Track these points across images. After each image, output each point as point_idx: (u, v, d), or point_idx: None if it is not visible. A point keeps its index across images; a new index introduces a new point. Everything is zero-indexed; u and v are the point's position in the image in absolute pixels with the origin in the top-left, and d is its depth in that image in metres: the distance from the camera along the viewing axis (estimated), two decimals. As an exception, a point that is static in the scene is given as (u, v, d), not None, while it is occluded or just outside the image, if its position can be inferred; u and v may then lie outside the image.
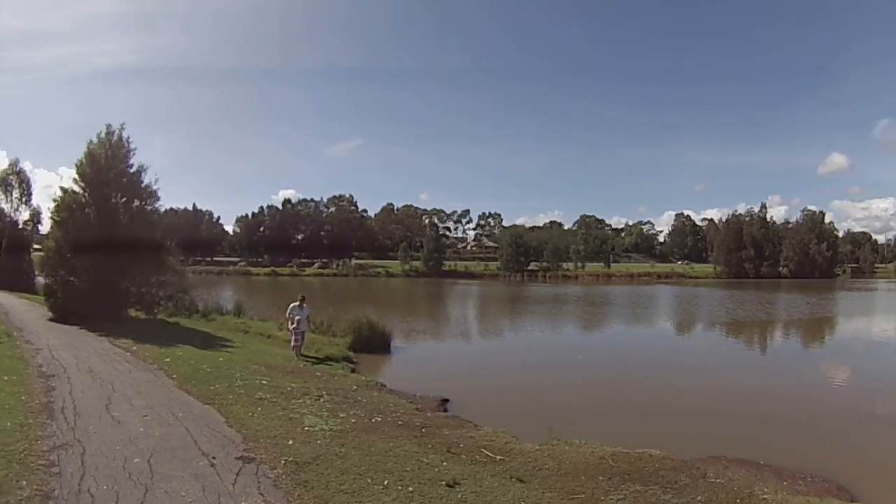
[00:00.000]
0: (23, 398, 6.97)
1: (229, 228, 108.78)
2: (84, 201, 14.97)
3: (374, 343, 16.91)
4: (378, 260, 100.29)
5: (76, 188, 15.04)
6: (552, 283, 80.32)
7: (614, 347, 22.48)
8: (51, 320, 14.67)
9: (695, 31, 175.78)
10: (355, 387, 10.96)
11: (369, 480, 5.41)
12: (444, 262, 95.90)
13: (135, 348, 11.41)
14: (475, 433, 8.01)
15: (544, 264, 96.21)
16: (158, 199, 16.63)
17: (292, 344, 14.03)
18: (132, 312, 16.59)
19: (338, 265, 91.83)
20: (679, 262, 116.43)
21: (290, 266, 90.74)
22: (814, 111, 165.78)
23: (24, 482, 4.71)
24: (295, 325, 13.96)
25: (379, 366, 15.25)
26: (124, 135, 15.60)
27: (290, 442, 6.45)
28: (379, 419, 8.20)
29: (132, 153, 15.98)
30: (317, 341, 16.07)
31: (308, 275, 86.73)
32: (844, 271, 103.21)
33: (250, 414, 7.60)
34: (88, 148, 15.02)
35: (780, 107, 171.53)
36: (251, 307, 26.03)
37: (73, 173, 15.02)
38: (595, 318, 33.06)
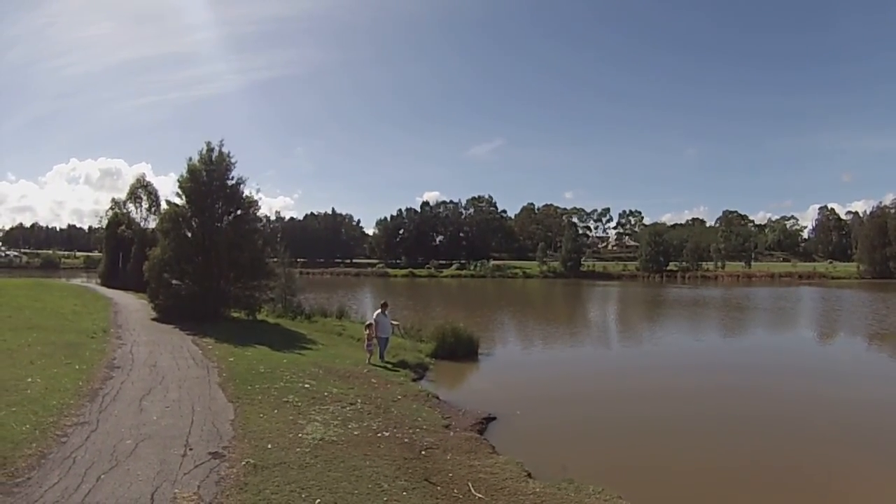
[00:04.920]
0: (80, 384, 9.23)
1: (370, 231, 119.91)
2: (186, 212, 18.28)
3: (458, 350, 17.56)
4: (517, 261, 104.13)
5: (179, 201, 18.44)
6: (690, 284, 78.83)
7: (742, 366, 19.86)
8: (153, 320, 18.48)
9: (836, 6, 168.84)
10: (399, 397, 11.56)
11: (304, 496, 5.93)
12: (582, 263, 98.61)
13: (210, 347, 13.79)
14: (482, 462, 8.00)
15: (683, 264, 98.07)
16: (259, 207, 19.65)
17: (365, 348, 15.24)
18: (234, 313, 19.59)
19: (475, 266, 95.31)
20: (825, 262, 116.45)
21: (428, 267, 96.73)
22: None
23: (35, 444, 6.54)
24: (368, 331, 15.17)
25: (452, 374, 15.79)
26: (224, 150, 18.85)
27: (270, 446, 7.39)
28: (387, 434, 8.65)
29: (233, 166, 19.23)
30: (401, 346, 17.14)
31: (445, 276, 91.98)
32: None
33: (262, 415, 8.78)
34: (189, 164, 18.42)
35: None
36: (370, 309, 28.55)
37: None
38: (732, 326, 31.60)
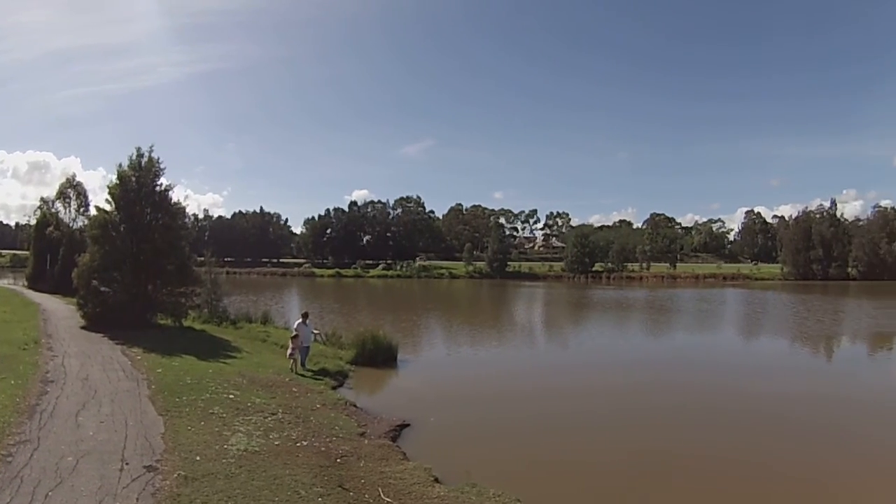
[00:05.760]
0: (17, 400, 9.84)
1: (298, 230, 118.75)
2: (115, 219, 18.49)
3: (377, 356, 18.53)
4: (444, 261, 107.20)
5: (108, 207, 18.59)
6: (615, 285, 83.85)
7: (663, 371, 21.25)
8: (82, 328, 18.66)
9: (770, 21, 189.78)
10: (318, 405, 12.53)
11: (229, 504, 7.09)
12: (509, 263, 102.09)
13: (139, 358, 14.40)
14: (392, 468, 8.91)
15: (609, 265, 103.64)
16: (186, 214, 19.89)
17: (287, 356, 16.14)
18: (161, 320, 19.89)
19: (402, 267, 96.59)
20: (749, 263, 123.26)
21: (355, 268, 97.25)
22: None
23: (-19, 466, 7.18)
24: (293, 343, 16.08)
25: (371, 381, 16.81)
26: (154, 155, 19.24)
27: (198, 458, 8.42)
28: (305, 444, 9.68)
29: (163, 172, 19.50)
30: (322, 354, 18.04)
31: (372, 276, 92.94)
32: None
33: (190, 428, 9.75)
34: (118, 171, 18.67)
35: (860, 94, 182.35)
36: (295, 312, 29.09)
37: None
38: (652, 327, 34.30)
